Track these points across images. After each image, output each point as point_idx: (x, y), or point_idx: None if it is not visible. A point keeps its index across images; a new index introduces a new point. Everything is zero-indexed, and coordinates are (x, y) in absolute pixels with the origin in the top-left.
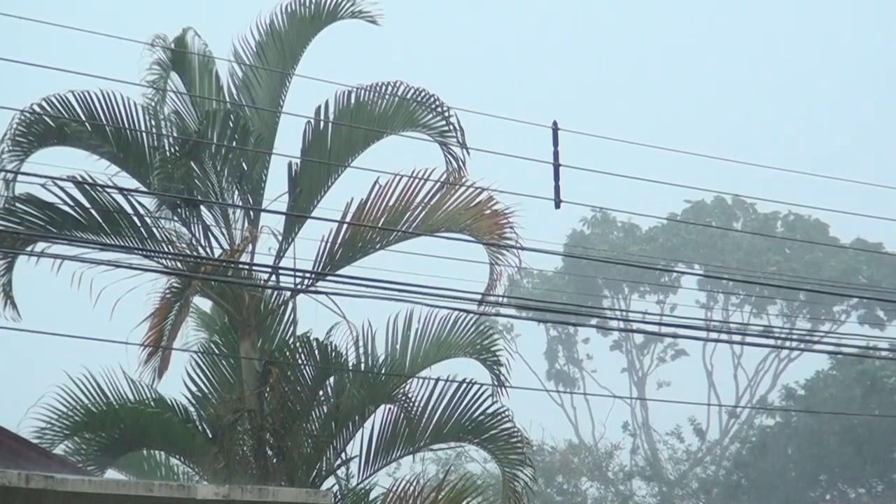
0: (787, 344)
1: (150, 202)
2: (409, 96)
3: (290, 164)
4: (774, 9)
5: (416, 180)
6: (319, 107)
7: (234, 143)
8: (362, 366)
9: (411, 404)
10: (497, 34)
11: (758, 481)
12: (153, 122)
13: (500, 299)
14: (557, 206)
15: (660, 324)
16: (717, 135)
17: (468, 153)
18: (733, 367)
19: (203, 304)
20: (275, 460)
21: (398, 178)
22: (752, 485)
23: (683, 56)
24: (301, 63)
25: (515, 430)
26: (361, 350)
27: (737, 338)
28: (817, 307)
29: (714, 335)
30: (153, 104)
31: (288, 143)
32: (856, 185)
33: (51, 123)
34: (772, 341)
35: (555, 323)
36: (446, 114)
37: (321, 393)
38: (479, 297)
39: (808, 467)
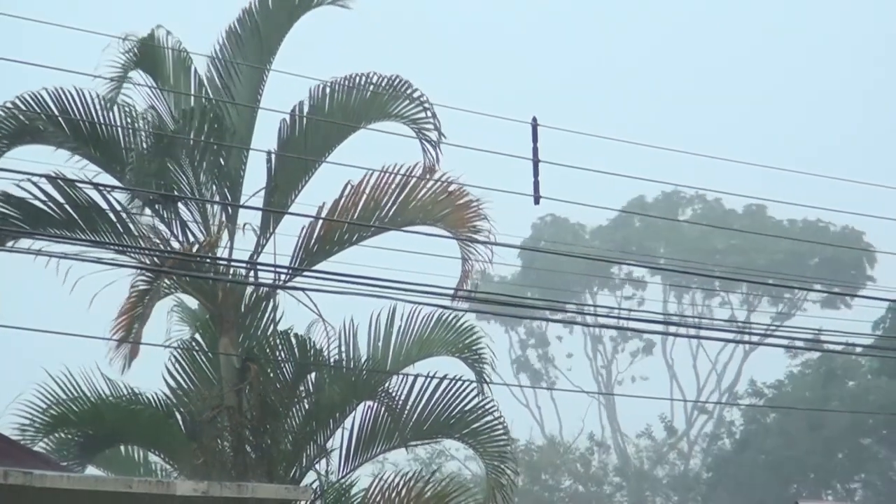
0: (746, 337)
1: (126, 198)
2: (383, 85)
3: (268, 159)
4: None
5: (389, 174)
6: (295, 106)
7: (212, 140)
8: (343, 362)
9: (392, 401)
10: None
11: (733, 478)
12: (127, 119)
13: (472, 295)
14: (537, 202)
15: (622, 318)
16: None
17: (441, 140)
18: (692, 359)
19: (188, 300)
20: (254, 456)
21: (370, 173)
22: (731, 481)
23: (674, 52)
24: (281, 53)
25: (497, 423)
26: (343, 346)
27: (694, 332)
28: (778, 299)
29: (674, 329)
30: (128, 102)
31: (267, 135)
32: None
33: (25, 121)
34: (731, 335)
35: (521, 318)
36: (421, 100)
37: (301, 389)
38: (459, 294)
39: (780, 464)
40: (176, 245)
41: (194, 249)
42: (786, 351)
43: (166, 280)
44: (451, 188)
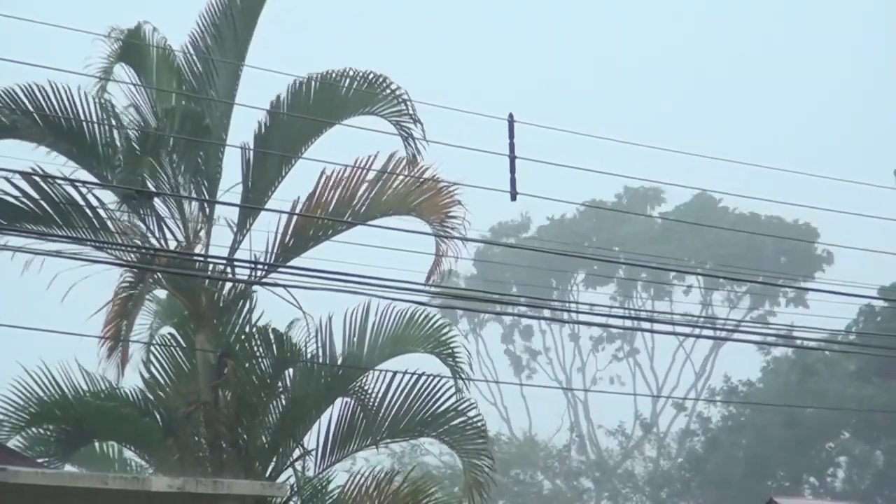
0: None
1: (103, 194)
2: (359, 81)
3: (243, 155)
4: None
5: (363, 168)
6: (272, 102)
7: (191, 137)
8: (319, 359)
9: (368, 397)
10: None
11: (708, 474)
12: (105, 115)
13: (435, 288)
14: (513, 198)
15: (601, 315)
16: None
17: (420, 133)
18: (666, 356)
19: (164, 295)
20: (231, 452)
21: (344, 168)
22: (704, 479)
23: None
24: (259, 47)
25: (474, 421)
26: (319, 343)
27: (685, 329)
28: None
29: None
30: (107, 98)
31: (244, 129)
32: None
33: (3, 119)
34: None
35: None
36: (398, 94)
37: (278, 385)
38: (435, 290)
39: (754, 460)
40: (154, 242)
41: (172, 246)
42: (758, 348)
43: (150, 280)
44: (425, 175)
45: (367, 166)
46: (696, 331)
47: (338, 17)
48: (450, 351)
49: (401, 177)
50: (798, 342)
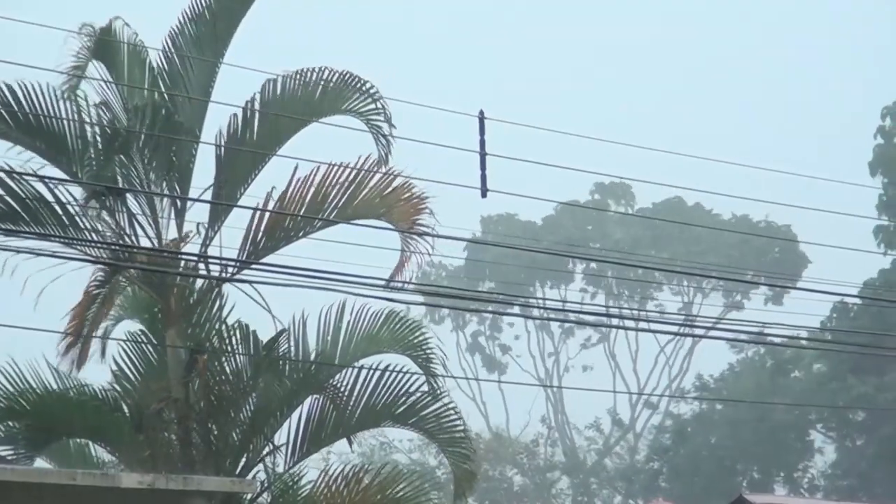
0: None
1: (74, 191)
2: (334, 80)
3: (216, 153)
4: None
5: (336, 169)
6: (247, 101)
7: (163, 134)
8: (292, 355)
9: (341, 395)
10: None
11: (677, 468)
12: (76, 112)
13: (406, 285)
14: (484, 195)
15: (571, 310)
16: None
17: (393, 133)
18: (632, 355)
19: (132, 290)
20: (201, 449)
21: (318, 167)
22: (671, 472)
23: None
24: (236, 44)
25: (447, 408)
26: (292, 340)
27: (644, 325)
28: (728, 293)
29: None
30: (79, 94)
31: (217, 127)
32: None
33: None
34: (677, 328)
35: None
36: (371, 93)
37: (249, 382)
38: (395, 283)
39: (725, 455)
40: (126, 240)
41: (143, 243)
42: (730, 346)
43: (122, 278)
44: (397, 182)
45: (342, 166)
46: (678, 329)
47: (334, 15)
48: (423, 353)
49: (373, 182)
50: (772, 339)
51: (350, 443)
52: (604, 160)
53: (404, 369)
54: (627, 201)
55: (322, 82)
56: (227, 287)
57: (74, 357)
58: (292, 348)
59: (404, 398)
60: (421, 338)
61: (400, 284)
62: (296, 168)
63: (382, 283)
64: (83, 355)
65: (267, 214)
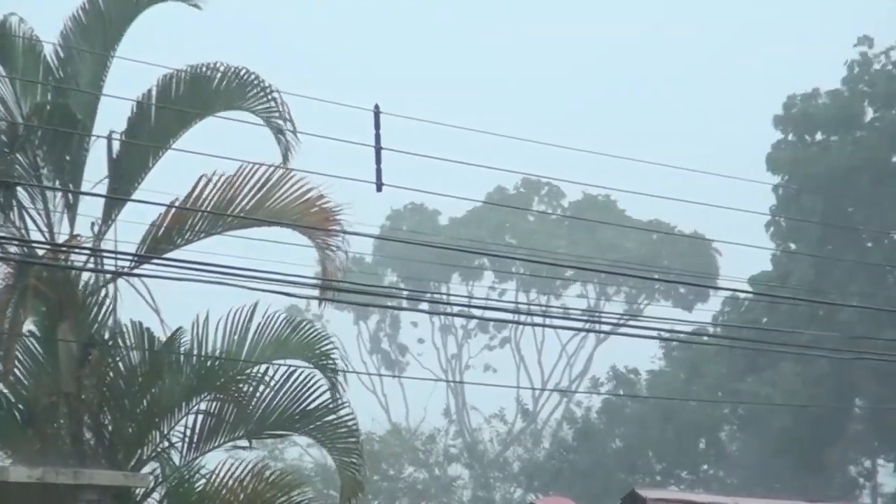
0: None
1: None
2: (229, 75)
3: (109, 146)
4: None
5: (246, 172)
6: (143, 94)
7: (57, 128)
8: (193, 352)
9: (241, 395)
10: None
11: (579, 465)
12: None
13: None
14: (379, 189)
15: (477, 307)
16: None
17: (296, 135)
18: (537, 352)
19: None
20: (94, 443)
21: (224, 173)
22: (573, 468)
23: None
24: (130, 42)
25: (346, 419)
26: (193, 337)
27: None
28: (630, 291)
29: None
30: None
31: (109, 121)
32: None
33: None
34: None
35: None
36: (269, 91)
37: (142, 377)
38: (315, 283)
39: (630, 452)
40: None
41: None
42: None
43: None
44: (311, 194)
45: (252, 169)
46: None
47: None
48: (329, 363)
49: (284, 188)
50: (676, 335)
51: (249, 443)
52: (531, 155)
53: (310, 378)
54: (551, 199)
55: (218, 77)
56: (132, 283)
57: None
58: (195, 344)
59: (305, 406)
60: (326, 348)
61: (308, 280)
62: (202, 176)
63: (282, 279)
64: (9, 360)
65: (171, 211)
